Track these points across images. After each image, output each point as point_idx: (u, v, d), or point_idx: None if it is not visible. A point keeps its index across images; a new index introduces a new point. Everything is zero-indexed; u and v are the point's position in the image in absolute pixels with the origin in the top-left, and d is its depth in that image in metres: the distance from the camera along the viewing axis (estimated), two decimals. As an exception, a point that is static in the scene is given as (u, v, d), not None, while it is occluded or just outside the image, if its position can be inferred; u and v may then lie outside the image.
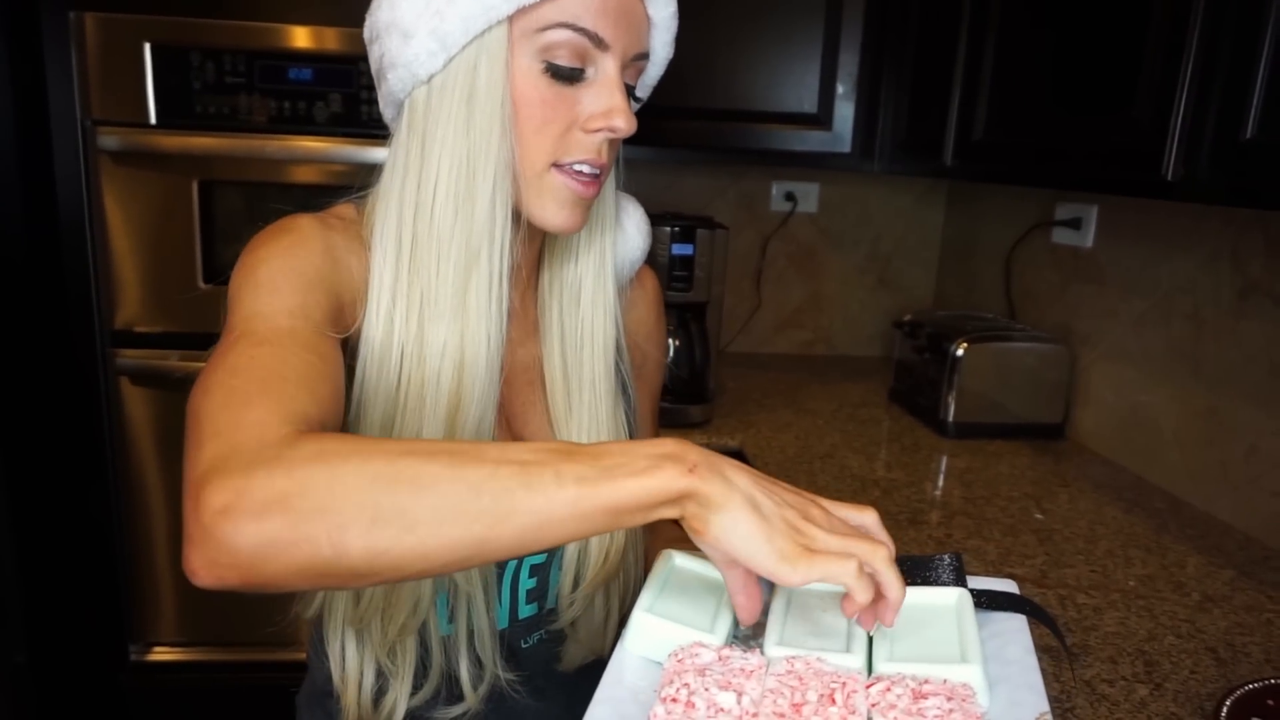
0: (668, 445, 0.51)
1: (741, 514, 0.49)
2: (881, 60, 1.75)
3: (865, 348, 2.31)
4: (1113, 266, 1.60)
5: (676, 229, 1.65)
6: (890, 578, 0.52)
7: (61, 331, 1.68)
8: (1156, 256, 1.48)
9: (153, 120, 1.59)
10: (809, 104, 1.79)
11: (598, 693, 0.57)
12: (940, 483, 1.45)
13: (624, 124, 0.67)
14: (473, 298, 0.68)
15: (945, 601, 0.65)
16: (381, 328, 0.68)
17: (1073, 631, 0.96)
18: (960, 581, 0.67)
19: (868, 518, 0.57)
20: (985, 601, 0.67)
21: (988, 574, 1.10)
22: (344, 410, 0.61)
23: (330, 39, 1.60)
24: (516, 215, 0.70)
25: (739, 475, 0.51)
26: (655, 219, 1.69)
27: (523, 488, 0.47)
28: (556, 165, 0.68)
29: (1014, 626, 0.66)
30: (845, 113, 1.79)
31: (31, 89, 1.60)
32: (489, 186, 0.67)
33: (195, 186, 1.64)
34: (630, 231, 0.84)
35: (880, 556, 0.51)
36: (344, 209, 0.75)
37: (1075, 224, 1.68)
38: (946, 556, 0.70)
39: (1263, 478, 1.25)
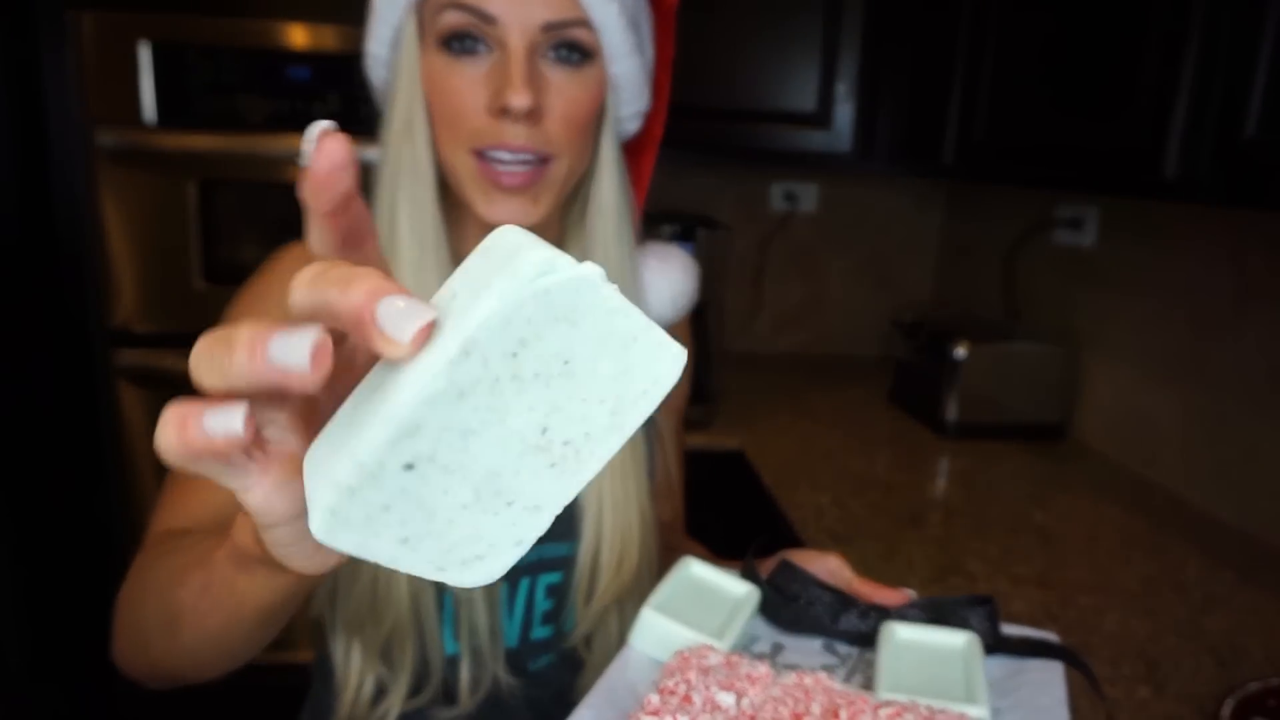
0: None
1: None
2: (881, 60, 1.75)
3: (865, 348, 2.31)
4: (1113, 267, 1.59)
5: (676, 229, 1.65)
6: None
7: (59, 331, 1.68)
8: (1157, 257, 1.48)
9: (151, 119, 1.59)
10: (809, 104, 1.78)
11: (596, 684, 0.56)
12: (941, 484, 1.45)
13: (517, 101, 0.63)
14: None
15: (953, 643, 0.63)
16: None
17: (1074, 633, 0.96)
18: (992, 625, 0.65)
19: None
20: (1020, 647, 0.65)
21: (989, 575, 1.10)
22: None
23: (328, 37, 1.60)
24: (458, 212, 0.71)
25: None
26: (654, 218, 1.69)
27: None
28: (478, 154, 0.66)
29: (1049, 677, 0.63)
30: (845, 112, 1.78)
31: (28, 88, 1.60)
32: (408, 180, 0.68)
33: (194, 186, 1.63)
34: (663, 297, 0.80)
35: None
36: None
37: (1076, 224, 1.68)
38: (979, 605, 0.67)
39: (1263, 478, 1.25)
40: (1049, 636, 0.67)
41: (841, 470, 1.46)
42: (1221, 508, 1.32)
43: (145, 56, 1.56)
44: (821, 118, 1.79)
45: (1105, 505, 1.35)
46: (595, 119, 0.70)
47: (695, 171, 2.16)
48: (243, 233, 1.67)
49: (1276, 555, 1.20)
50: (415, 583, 0.69)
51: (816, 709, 0.52)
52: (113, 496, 1.74)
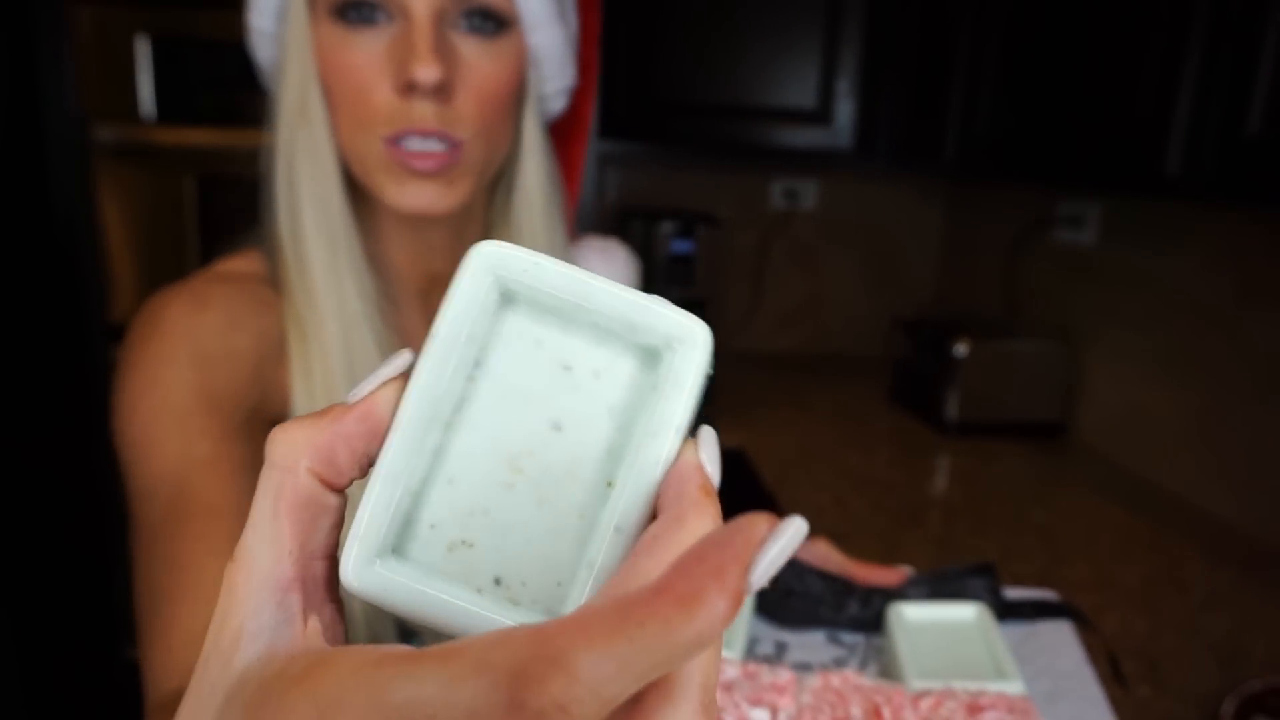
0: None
1: None
2: (882, 56, 1.75)
3: (865, 346, 2.31)
4: (1114, 265, 1.59)
5: (676, 226, 1.64)
6: None
7: (57, 327, 1.68)
8: (1158, 255, 1.48)
9: (149, 115, 1.58)
10: (809, 101, 1.78)
11: None
12: (941, 482, 1.44)
13: (424, 73, 0.56)
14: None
15: (964, 616, 0.62)
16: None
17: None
18: (994, 594, 0.64)
19: None
20: (1025, 611, 0.65)
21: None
22: None
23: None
24: (366, 204, 0.65)
25: None
26: (655, 215, 1.69)
27: None
28: (387, 141, 0.60)
29: (1062, 638, 0.62)
30: (846, 110, 1.78)
31: (25, 83, 1.59)
32: (307, 172, 0.62)
33: (192, 181, 1.63)
34: None
35: None
36: (238, 263, 0.68)
37: (1077, 222, 1.68)
38: (979, 574, 0.66)
39: (1265, 476, 1.25)
40: (1048, 595, 0.67)
41: (841, 468, 1.46)
42: (1222, 506, 1.32)
43: (144, 51, 1.55)
44: (822, 115, 1.78)
45: (1105, 503, 1.35)
46: (514, 97, 0.63)
47: (695, 169, 2.16)
48: (242, 229, 1.67)
49: (1277, 553, 1.20)
50: (370, 615, 0.63)
51: (857, 712, 0.50)
52: (111, 493, 1.73)
